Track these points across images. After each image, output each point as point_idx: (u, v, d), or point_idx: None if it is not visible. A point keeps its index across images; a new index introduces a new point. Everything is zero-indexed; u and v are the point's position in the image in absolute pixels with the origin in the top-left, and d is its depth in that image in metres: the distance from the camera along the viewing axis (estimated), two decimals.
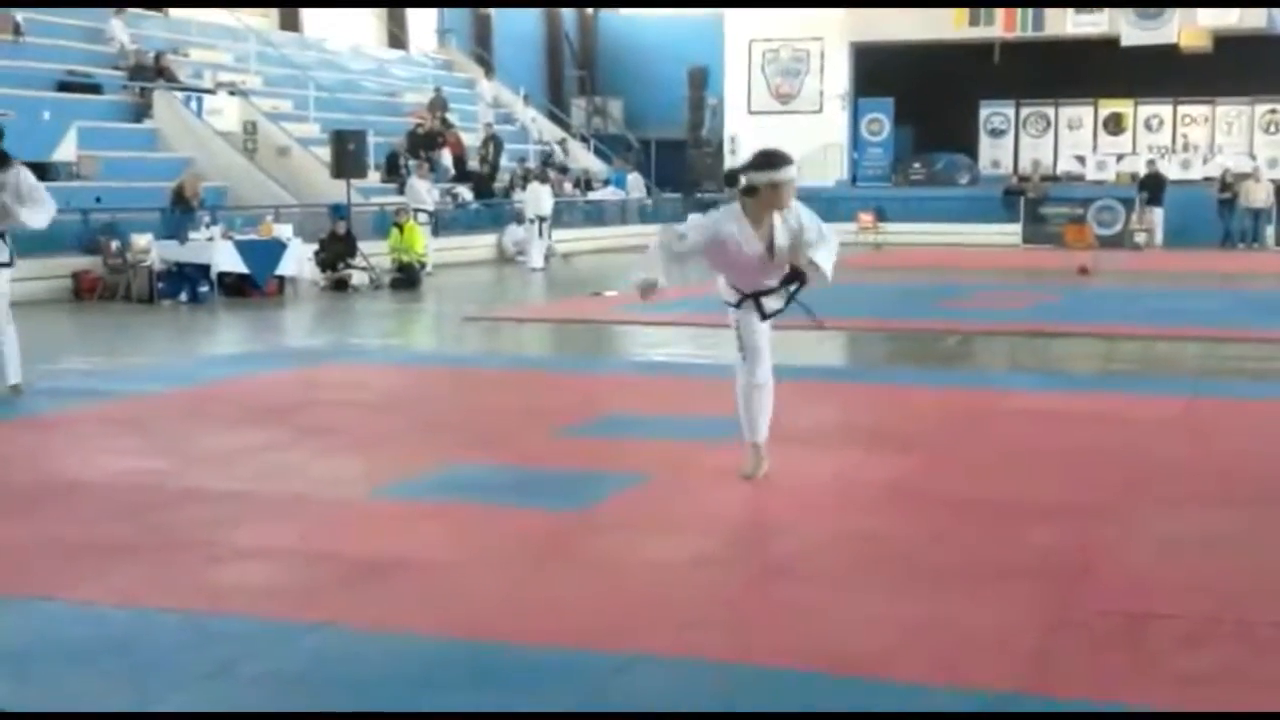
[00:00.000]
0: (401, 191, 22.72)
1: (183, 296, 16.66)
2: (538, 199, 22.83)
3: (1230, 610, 4.76)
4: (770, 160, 6.43)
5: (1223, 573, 5.22)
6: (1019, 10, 30.66)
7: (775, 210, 6.41)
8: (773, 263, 6.54)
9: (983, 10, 30.80)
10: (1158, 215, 28.15)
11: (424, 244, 20.02)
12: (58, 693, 4.01)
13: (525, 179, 25.68)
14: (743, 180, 6.47)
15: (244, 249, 17.17)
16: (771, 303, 6.77)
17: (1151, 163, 29.82)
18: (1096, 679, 4.08)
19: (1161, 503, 6.37)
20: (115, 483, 6.87)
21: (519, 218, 24.38)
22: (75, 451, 7.97)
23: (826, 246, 6.57)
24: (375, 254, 19.48)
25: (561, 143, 32.55)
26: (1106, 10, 30.05)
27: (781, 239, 6.47)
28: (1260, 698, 3.98)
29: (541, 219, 22.59)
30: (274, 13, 30.57)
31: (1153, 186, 28.36)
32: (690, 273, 7.34)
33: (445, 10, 34.93)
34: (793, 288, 6.73)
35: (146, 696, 3.97)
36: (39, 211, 9.07)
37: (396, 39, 33.51)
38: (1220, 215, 27.98)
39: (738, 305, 6.80)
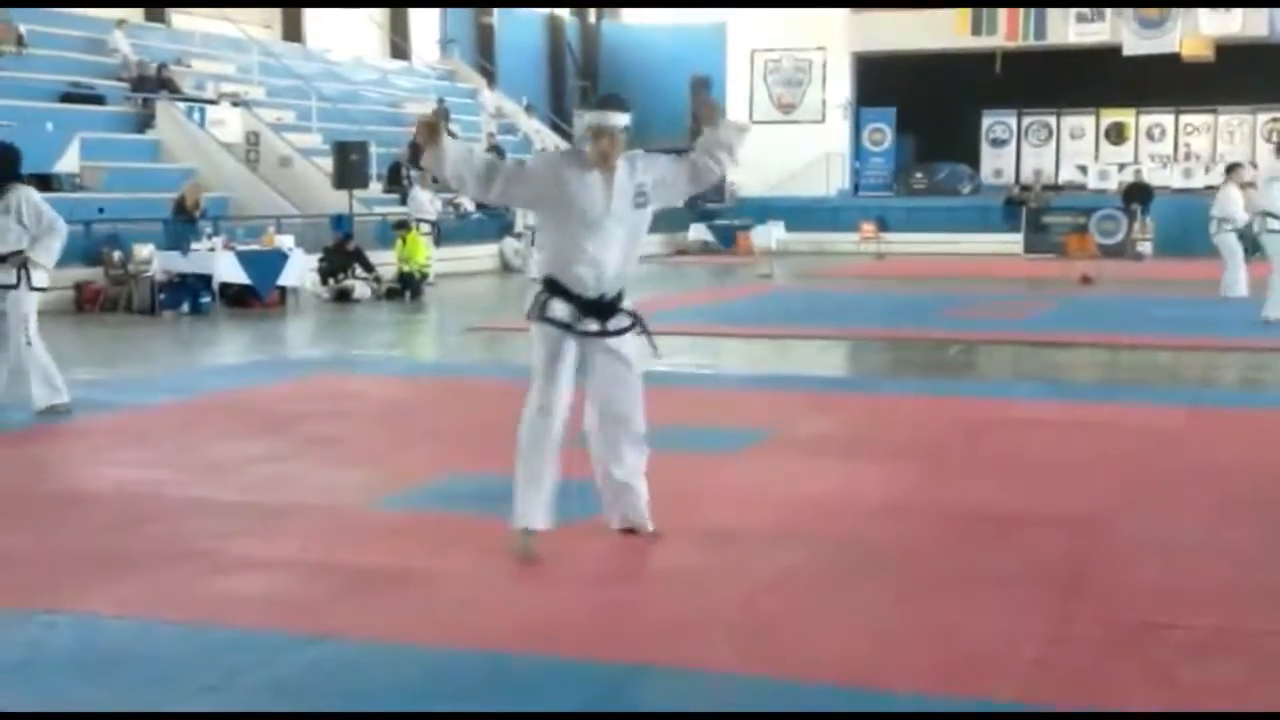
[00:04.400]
0: (404, 202, 22.73)
1: (184, 307, 16.64)
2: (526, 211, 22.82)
3: (1234, 620, 4.75)
4: (598, 102, 5.63)
5: (1225, 583, 5.21)
6: (1021, 19, 30.68)
7: (605, 164, 5.41)
8: (614, 215, 5.45)
9: (985, 19, 30.82)
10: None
11: (426, 254, 20.02)
12: (58, 704, 4.01)
13: None
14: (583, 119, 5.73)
15: (246, 260, 17.16)
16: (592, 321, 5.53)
17: (1137, 171, 29.82)
18: (1099, 689, 4.08)
19: (1163, 512, 6.37)
20: (117, 493, 6.87)
21: (509, 228, 24.40)
22: (77, 462, 7.98)
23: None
24: (379, 264, 19.50)
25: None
26: (1108, 19, 30.05)
27: (624, 188, 5.45)
28: (1265, 710, 3.97)
29: (533, 229, 22.54)
30: (277, 24, 30.60)
31: (1139, 196, 28.31)
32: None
33: (447, 21, 34.96)
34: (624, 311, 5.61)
35: (146, 708, 3.97)
36: (44, 247, 9.05)
37: (399, 49, 33.53)
38: None
39: (544, 305, 5.49)
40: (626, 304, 5.61)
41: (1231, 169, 18.15)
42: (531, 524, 5.43)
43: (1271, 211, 14.15)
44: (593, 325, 5.50)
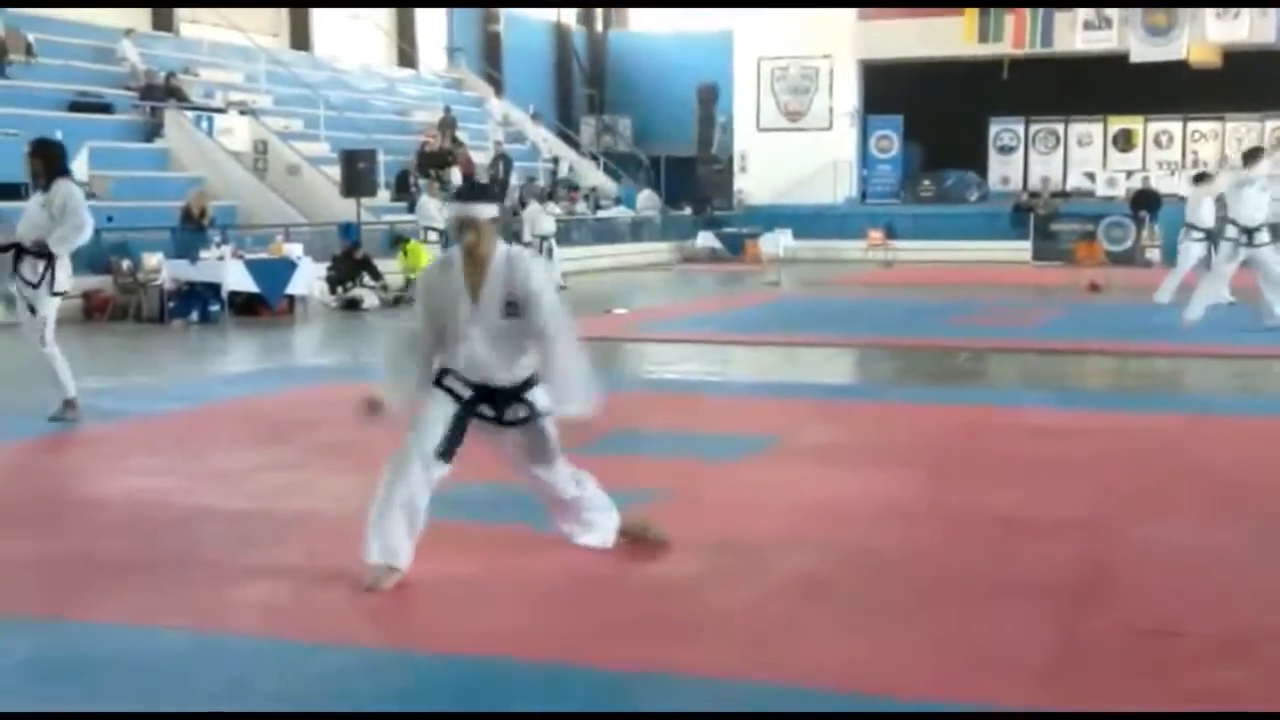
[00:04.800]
0: (412, 210, 22.77)
1: (193, 316, 16.69)
2: (534, 220, 22.84)
3: (1240, 626, 4.75)
4: (461, 193, 5.43)
5: (1231, 589, 5.21)
6: (1027, 27, 30.68)
7: (475, 257, 5.17)
8: (482, 321, 5.17)
9: (991, 27, 30.82)
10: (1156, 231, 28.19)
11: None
12: (65, 711, 4.02)
13: (522, 202, 25.36)
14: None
15: (254, 268, 17.20)
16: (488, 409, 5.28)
17: (1145, 179, 29.82)
18: (1106, 695, 4.08)
19: (1170, 518, 6.36)
20: (126, 501, 6.89)
21: (517, 237, 24.43)
22: (87, 471, 8.00)
23: (560, 352, 5.20)
24: (387, 272, 19.55)
25: (554, 161, 32.47)
26: (1115, 26, 30.05)
27: (494, 292, 5.16)
28: (1272, 712, 3.97)
29: (542, 239, 22.58)
30: (284, 32, 30.68)
31: (1147, 203, 28.31)
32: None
33: (454, 29, 35.05)
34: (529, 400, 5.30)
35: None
36: (59, 236, 9.00)
37: (406, 58, 33.61)
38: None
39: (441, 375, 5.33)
40: (536, 394, 5.30)
41: (1200, 178, 18.50)
42: (375, 557, 5.20)
43: (1235, 219, 14.26)
44: (487, 411, 5.28)
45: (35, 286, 9.01)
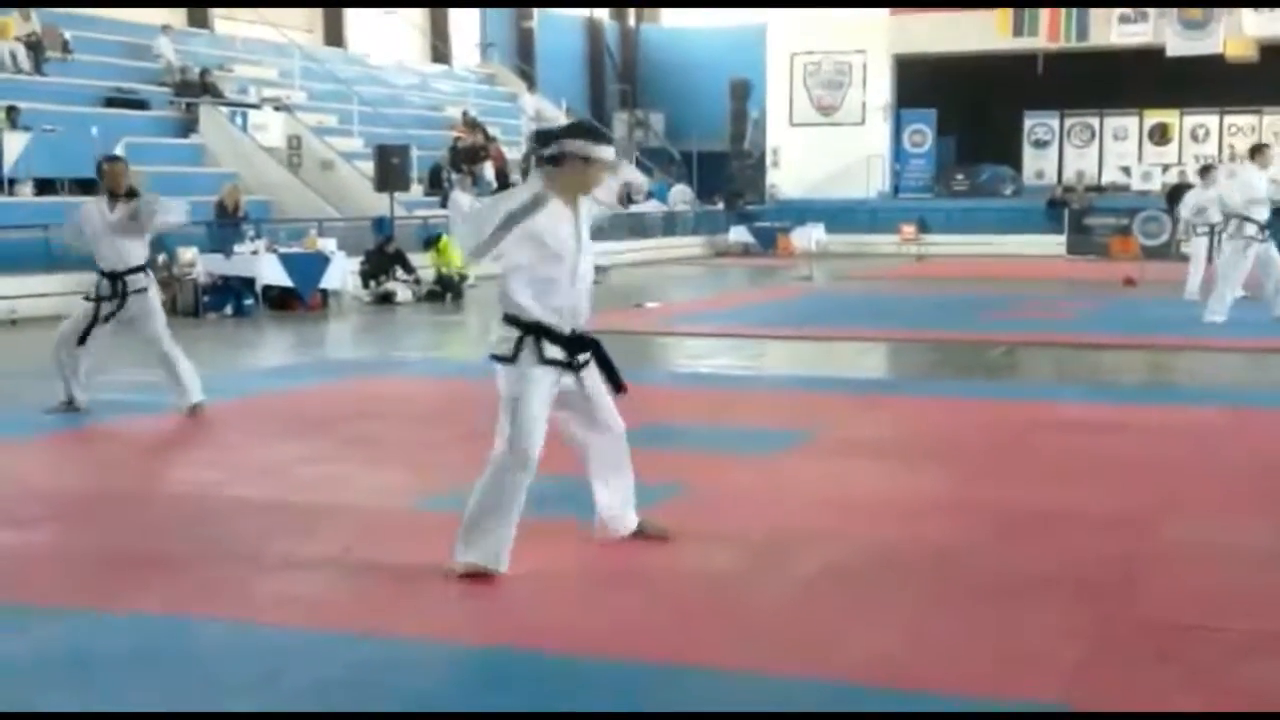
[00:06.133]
0: (444, 205, 22.80)
1: (228, 309, 16.77)
2: None
3: (1274, 624, 4.72)
4: (591, 131, 5.44)
5: (1266, 586, 5.17)
6: (1062, 20, 30.53)
7: (581, 194, 5.30)
8: (581, 261, 5.31)
9: (1026, 21, 30.68)
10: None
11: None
12: (102, 702, 4.04)
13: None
14: (552, 147, 5.28)
15: (288, 262, 17.27)
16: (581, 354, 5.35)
17: (1181, 172, 29.65)
18: (1142, 693, 4.05)
19: (1207, 514, 6.33)
20: (163, 493, 6.94)
21: None
22: (124, 463, 8.04)
23: None
24: (420, 267, 19.59)
25: None
26: (1151, 20, 29.86)
27: (585, 230, 5.33)
28: None
29: None
30: (318, 28, 30.81)
31: (1183, 197, 28.14)
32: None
33: (488, 25, 35.11)
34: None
35: (190, 707, 4.00)
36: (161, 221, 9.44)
37: (439, 53, 33.68)
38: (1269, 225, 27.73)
39: (519, 349, 5.20)
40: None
41: (1205, 170, 18.52)
42: (502, 568, 5.21)
43: (1242, 212, 14.33)
44: (581, 357, 5.33)
45: (146, 291, 9.35)
